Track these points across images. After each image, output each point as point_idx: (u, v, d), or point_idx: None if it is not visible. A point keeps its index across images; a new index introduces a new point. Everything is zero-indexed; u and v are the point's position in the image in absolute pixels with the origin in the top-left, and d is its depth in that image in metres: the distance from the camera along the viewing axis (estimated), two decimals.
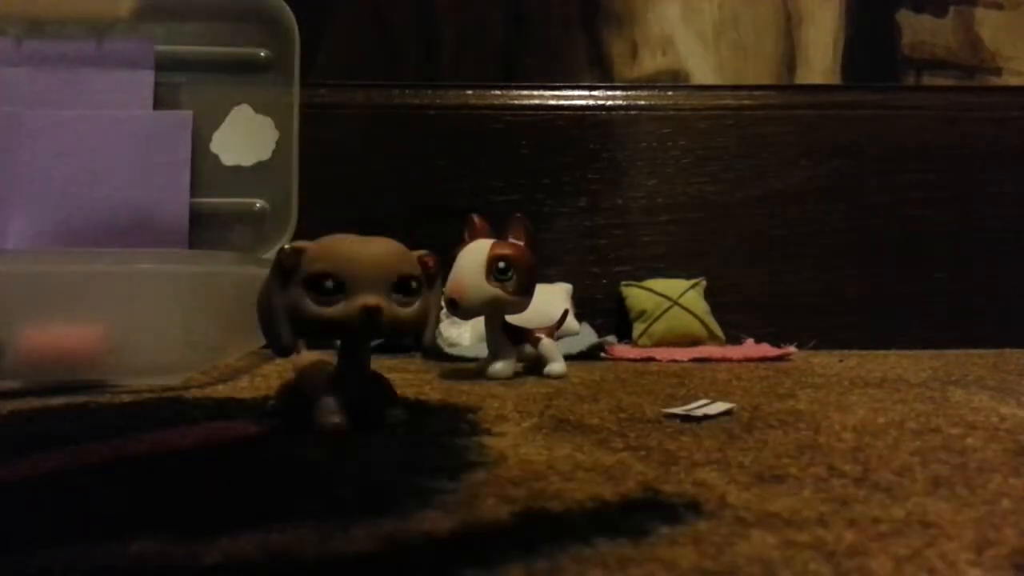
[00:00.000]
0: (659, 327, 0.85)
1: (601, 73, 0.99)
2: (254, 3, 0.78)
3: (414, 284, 0.36)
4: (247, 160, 0.77)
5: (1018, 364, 0.70)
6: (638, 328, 0.86)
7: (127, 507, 0.25)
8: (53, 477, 0.28)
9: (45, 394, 0.50)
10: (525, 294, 0.57)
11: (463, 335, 0.80)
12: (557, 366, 0.59)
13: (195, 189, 0.75)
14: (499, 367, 0.58)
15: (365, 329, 0.35)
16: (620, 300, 0.91)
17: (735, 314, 0.91)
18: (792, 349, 0.77)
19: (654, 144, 0.96)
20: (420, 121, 0.94)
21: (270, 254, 0.58)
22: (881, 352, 0.84)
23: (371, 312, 0.34)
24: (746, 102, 0.97)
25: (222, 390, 0.52)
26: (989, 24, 1.01)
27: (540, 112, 0.95)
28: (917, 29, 1.01)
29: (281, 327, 0.35)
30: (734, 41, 1.00)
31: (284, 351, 0.35)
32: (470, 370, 0.62)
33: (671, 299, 0.86)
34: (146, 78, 0.76)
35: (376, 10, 0.97)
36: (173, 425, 0.38)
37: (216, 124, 0.77)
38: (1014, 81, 1.01)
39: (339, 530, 0.22)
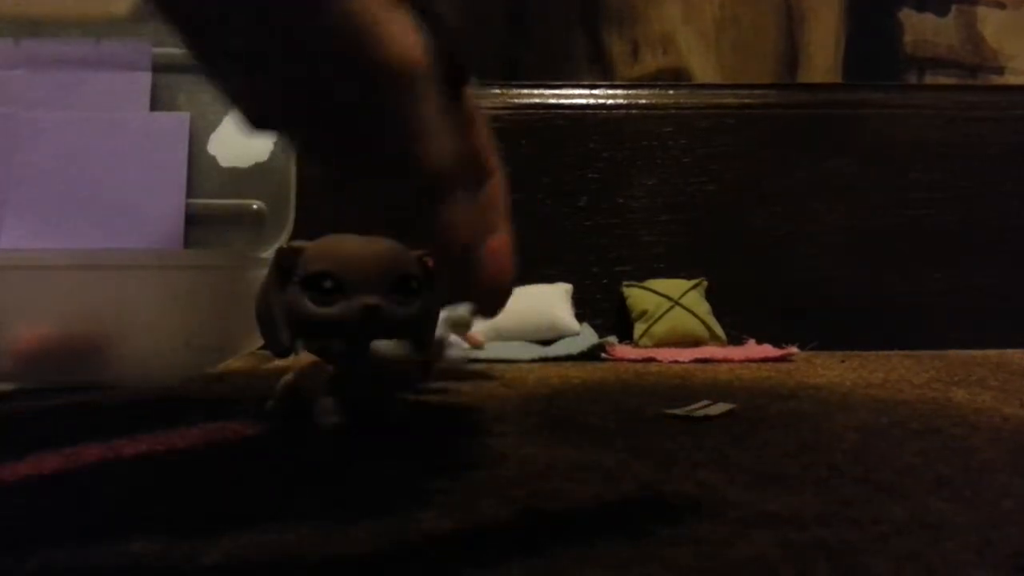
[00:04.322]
0: (660, 327, 0.85)
1: (601, 72, 0.99)
2: None
3: (414, 284, 0.36)
4: (244, 162, 0.77)
5: (1021, 364, 0.69)
6: (639, 328, 0.86)
7: (127, 507, 0.25)
8: (53, 477, 0.28)
9: (45, 394, 0.50)
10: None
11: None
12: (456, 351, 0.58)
13: (192, 190, 0.74)
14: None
15: (365, 329, 0.34)
16: (620, 300, 0.91)
17: (736, 315, 0.91)
18: (794, 350, 0.77)
19: (654, 143, 0.96)
20: None
21: (268, 254, 0.58)
22: (883, 353, 0.84)
23: (371, 312, 0.34)
24: (747, 101, 0.97)
25: (222, 390, 0.52)
26: (991, 23, 1.01)
27: (540, 112, 0.95)
28: (919, 28, 1.00)
29: (280, 327, 0.35)
30: (735, 40, 1.00)
31: (283, 351, 0.35)
32: (470, 370, 0.62)
33: (672, 299, 0.86)
34: (143, 80, 0.76)
35: None
36: (172, 425, 0.38)
37: (213, 126, 0.77)
38: (1016, 80, 1.00)
39: (339, 530, 0.21)
